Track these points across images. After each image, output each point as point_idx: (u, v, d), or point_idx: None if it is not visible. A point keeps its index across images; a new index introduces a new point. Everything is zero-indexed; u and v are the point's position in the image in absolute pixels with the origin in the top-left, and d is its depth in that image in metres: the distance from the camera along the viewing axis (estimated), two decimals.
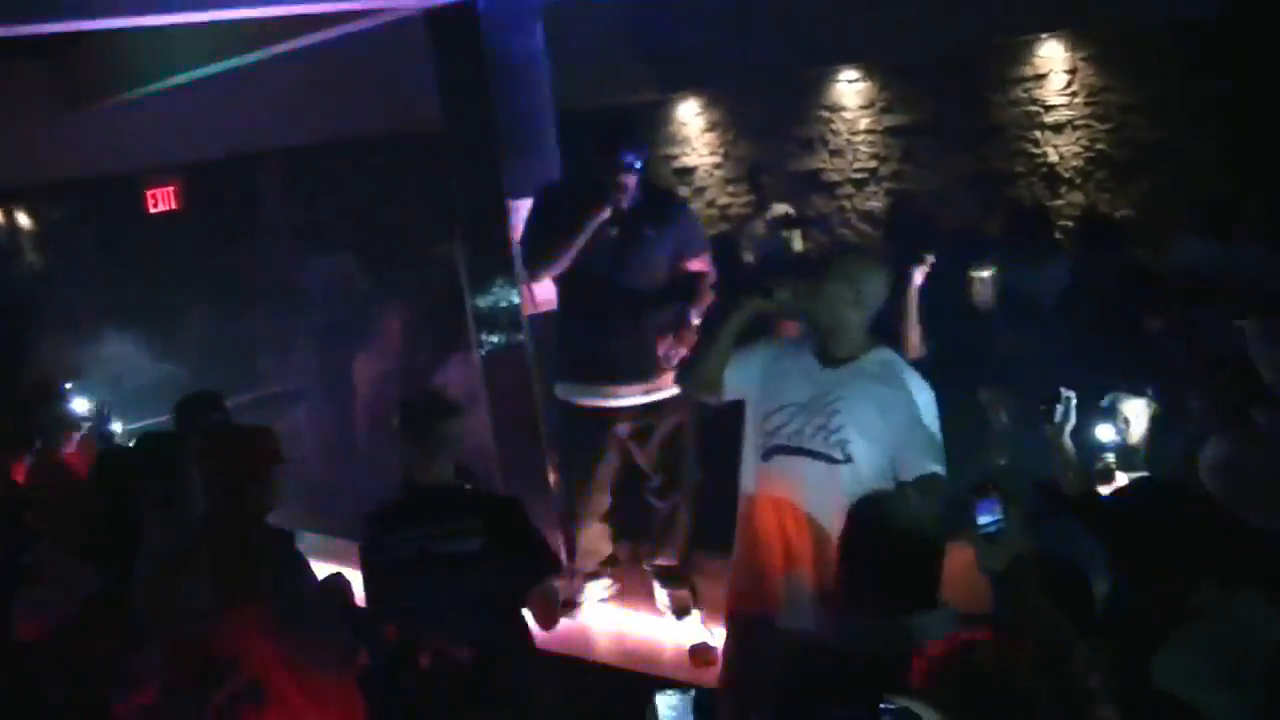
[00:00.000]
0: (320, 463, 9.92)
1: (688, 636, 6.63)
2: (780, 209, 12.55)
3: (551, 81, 7.81)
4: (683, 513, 6.85)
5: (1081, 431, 5.48)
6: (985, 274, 7.79)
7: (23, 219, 18.69)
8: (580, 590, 7.06)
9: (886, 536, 3.96)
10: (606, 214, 6.50)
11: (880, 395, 5.03)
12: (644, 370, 6.61)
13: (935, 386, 5.18)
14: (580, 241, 6.55)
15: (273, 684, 4.83)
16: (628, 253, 6.57)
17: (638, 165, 6.51)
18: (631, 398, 6.65)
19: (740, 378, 5.28)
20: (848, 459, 4.99)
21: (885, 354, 5.19)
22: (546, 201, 6.88)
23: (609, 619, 7.07)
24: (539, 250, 6.77)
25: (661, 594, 6.91)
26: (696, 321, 6.58)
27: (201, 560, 4.92)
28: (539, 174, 7.48)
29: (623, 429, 6.75)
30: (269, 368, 12.04)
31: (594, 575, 7.11)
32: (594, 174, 6.58)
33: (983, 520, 3.62)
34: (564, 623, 5.90)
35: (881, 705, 2.75)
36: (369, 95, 12.90)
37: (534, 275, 6.97)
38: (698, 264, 6.79)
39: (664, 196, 7.17)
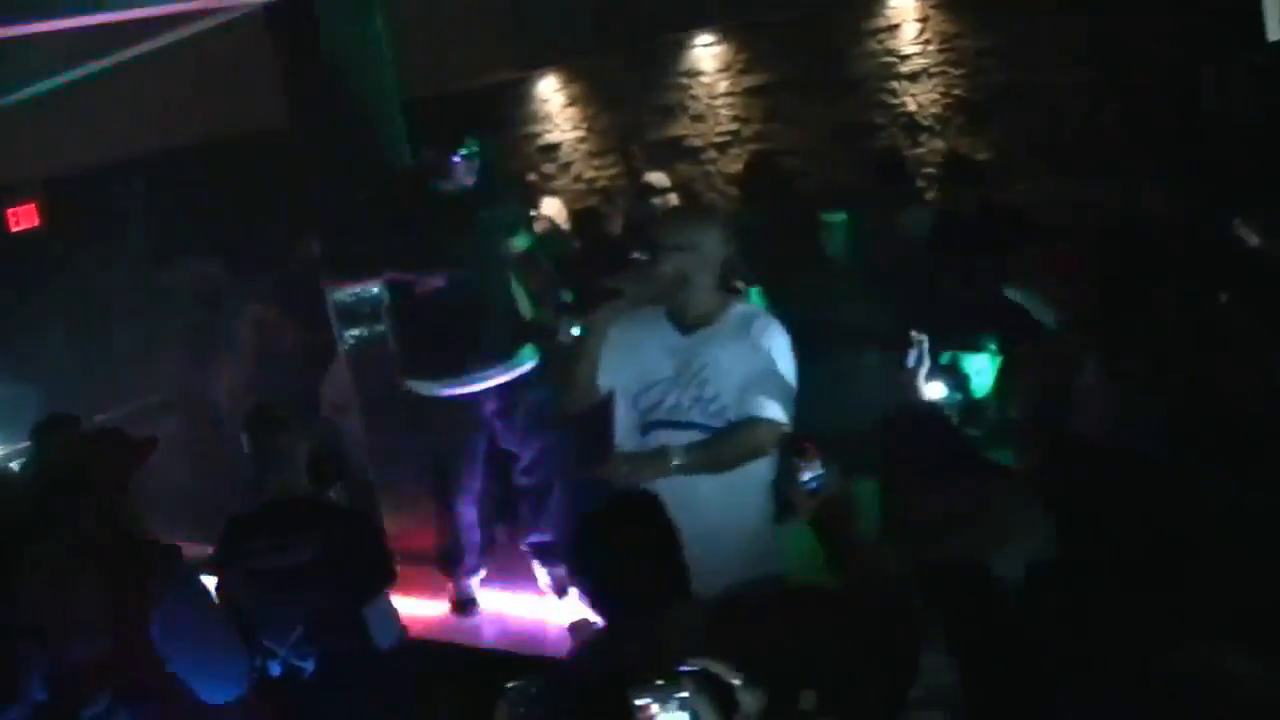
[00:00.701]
0: (194, 472, 9.77)
1: (570, 614, 6.57)
2: (654, 178, 12.53)
3: (395, 68, 7.72)
4: (556, 488, 6.79)
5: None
6: (836, 219, 7.72)
7: None
8: (469, 587, 6.98)
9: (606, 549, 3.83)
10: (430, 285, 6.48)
11: (741, 352, 4.91)
12: (500, 351, 6.55)
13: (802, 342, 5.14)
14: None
15: (169, 697, 4.78)
16: (477, 239, 6.49)
17: (474, 152, 6.44)
18: (492, 379, 6.58)
19: (607, 373, 5.09)
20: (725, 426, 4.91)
21: (740, 307, 5.07)
22: (372, 206, 6.80)
23: (492, 603, 7.01)
24: (363, 263, 6.72)
25: (541, 572, 6.85)
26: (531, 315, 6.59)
27: (89, 578, 4.87)
28: (387, 161, 7.39)
29: (488, 407, 6.67)
30: (139, 380, 11.86)
31: (475, 569, 7.02)
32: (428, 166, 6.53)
33: (805, 478, 3.65)
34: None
35: (680, 669, 2.71)
36: (224, 97, 12.73)
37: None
38: (522, 240, 6.78)
39: (491, 177, 7.08)
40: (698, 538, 4.14)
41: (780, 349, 4.94)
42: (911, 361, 5.19)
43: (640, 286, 4.97)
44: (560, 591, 6.78)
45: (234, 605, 5.12)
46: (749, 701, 2.71)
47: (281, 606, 5.08)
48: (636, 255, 5.13)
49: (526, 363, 6.58)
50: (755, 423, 4.80)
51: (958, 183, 8.56)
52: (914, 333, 5.18)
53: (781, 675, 3.03)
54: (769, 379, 4.88)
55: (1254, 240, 6.37)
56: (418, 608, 6.80)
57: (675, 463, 4.69)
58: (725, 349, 4.91)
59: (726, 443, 4.81)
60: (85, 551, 5.00)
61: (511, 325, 6.59)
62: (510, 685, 3.35)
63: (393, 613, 5.39)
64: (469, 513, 6.86)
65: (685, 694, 2.68)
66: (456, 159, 6.41)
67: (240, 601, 5.11)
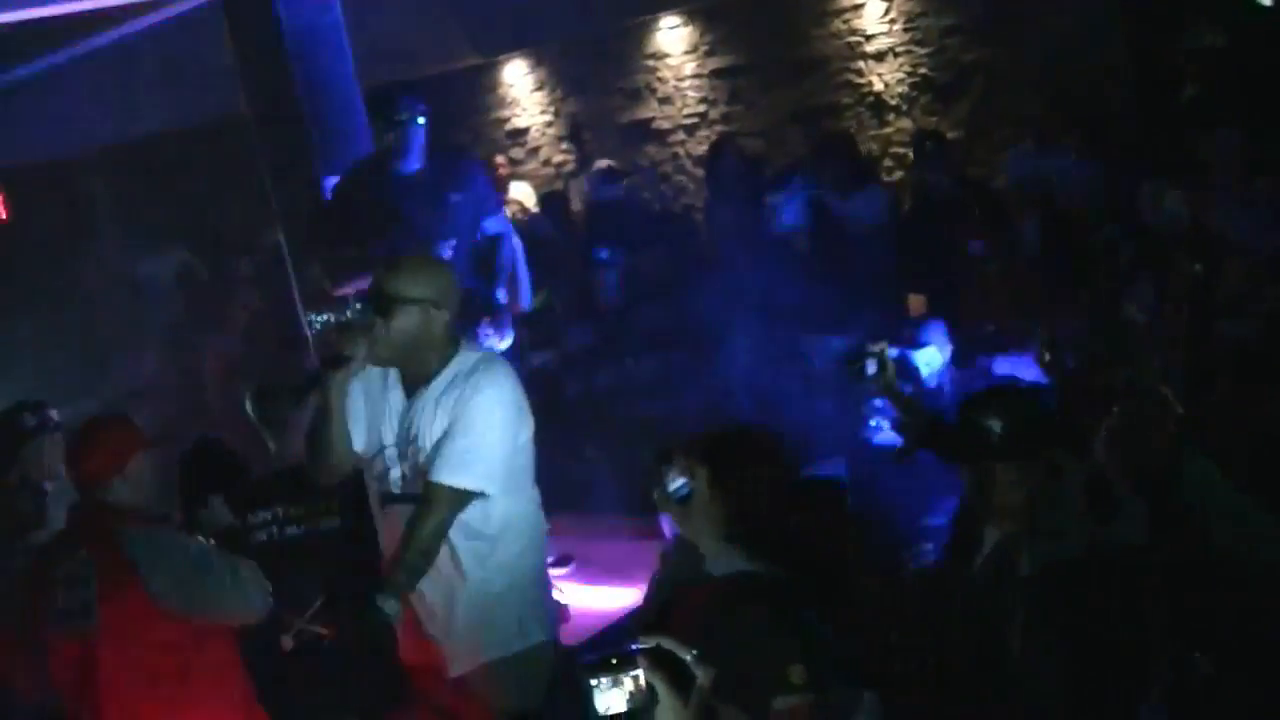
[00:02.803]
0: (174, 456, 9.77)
1: None
2: (603, 164, 12.53)
3: (355, 54, 7.71)
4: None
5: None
6: (778, 199, 7.66)
7: None
8: None
9: None
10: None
11: (445, 410, 4.64)
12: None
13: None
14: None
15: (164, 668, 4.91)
16: (434, 222, 6.45)
17: (418, 119, 6.38)
18: None
19: (361, 435, 4.83)
20: None
21: (464, 357, 4.76)
22: (336, 200, 6.74)
23: None
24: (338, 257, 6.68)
25: None
26: (504, 299, 6.51)
27: (77, 558, 4.96)
28: (349, 149, 7.37)
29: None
30: (115, 369, 11.86)
31: None
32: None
33: (673, 487, 3.62)
34: None
35: (633, 646, 2.73)
36: (189, 87, 12.66)
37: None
38: (493, 223, 6.71)
39: (459, 158, 7.04)
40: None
41: (485, 399, 4.61)
42: (869, 371, 5.12)
43: (370, 348, 4.61)
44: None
45: None
46: (703, 676, 2.72)
47: (301, 575, 5.10)
48: (357, 306, 4.77)
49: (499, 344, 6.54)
50: (426, 503, 4.52)
51: (930, 161, 8.60)
52: (870, 344, 5.08)
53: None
54: (457, 438, 4.55)
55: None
56: None
57: (390, 613, 4.43)
58: (432, 409, 4.64)
59: (417, 547, 4.49)
60: (69, 532, 5.13)
61: (477, 311, 6.55)
62: None
63: None
64: None
65: (639, 671, 2.70)
66: (403, 122, 6.33)
67: None
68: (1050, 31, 10.46)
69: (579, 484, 7.19)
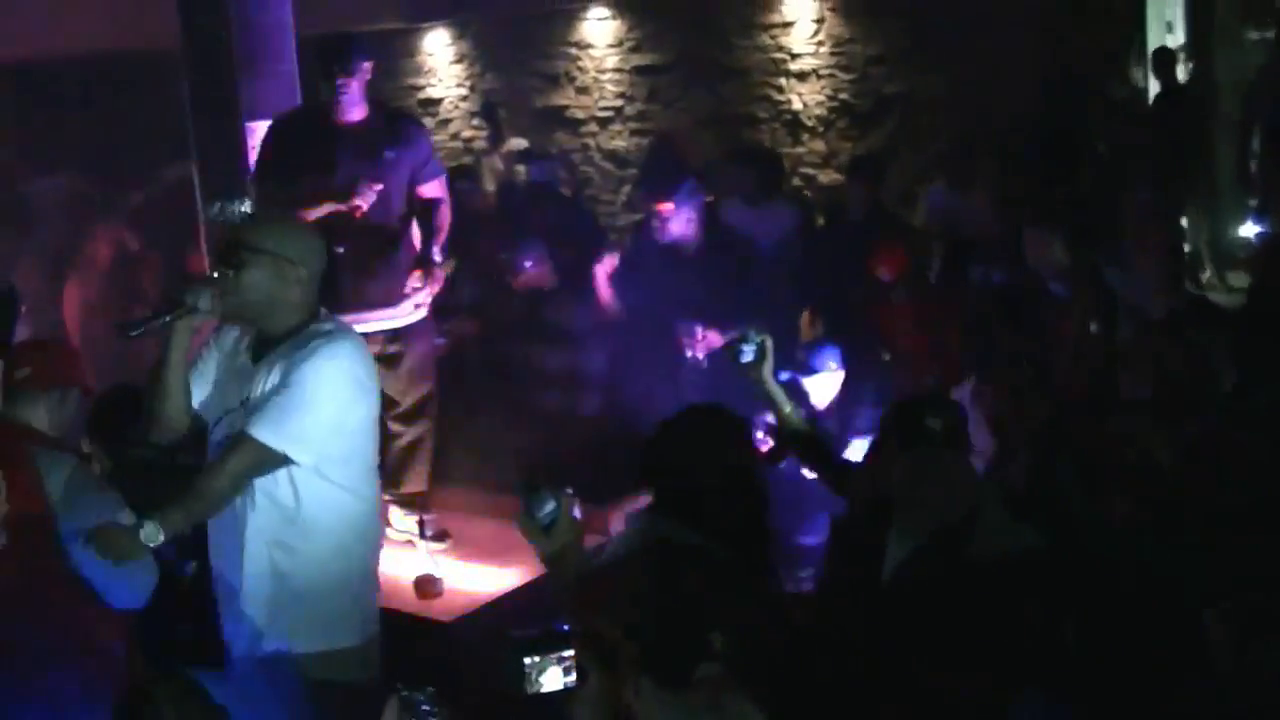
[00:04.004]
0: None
1: (414, 568, 6.50)
2: (517, 143, 12.49)
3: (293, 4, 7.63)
4: (428, 440, 6.73)
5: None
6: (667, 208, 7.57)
7: None
8: None
9: None
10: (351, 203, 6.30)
11: (276, 379, 4.31)
12: (389, 296, 6.46)
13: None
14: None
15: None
16: (365, 173, 6.38)
17: (361, 68, 6.31)
18: (380, 322, 6.50)
19: (203, 395, 4.51)
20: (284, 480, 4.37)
21: (317, 326, 4.41)
22: (273, 140, 6.65)
23: None
24: (267, 195, 6.56)
25: (407, 520, 6.76)
26: (439, 258, 6.43)
27: None
28: (276, 96, 7.29)
29: (372, 349, 6.58)
30: None
31: None
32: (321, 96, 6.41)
33: (541, 513, 3.58)
34: None
35: (561, 626, 2.74)
36: (103, 10, 12.44)
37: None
38: (431, 188, 6.64)
39: (400, 117, 6.97)
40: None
41: (317, 364, 4.29)
42: (745, 357, 4.96)
43: (212, 299, 4.25)
44: (439, 537, 6.67)
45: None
46: (631, 650, 2.73)
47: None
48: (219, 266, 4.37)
49: (417, 310, 6.49)
50: (235, 443, 4.25)
51: (858, 182, 8.68)
52: (752, 330, 4.94)
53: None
54: (281, 397, 4.26)
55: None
56: None
57: (149, 538, 4.09)
58: (267, 370, 4.34)
59: (200, 490, 4.24)
60: None
61: (405, 270, 6.48)
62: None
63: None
64: None
65: (570, 650, 2.70)
66: (349, 72, 6.27)
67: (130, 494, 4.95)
68: (970, 73, 10.62)
69: (466, 458, 7.13)
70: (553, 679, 2.71)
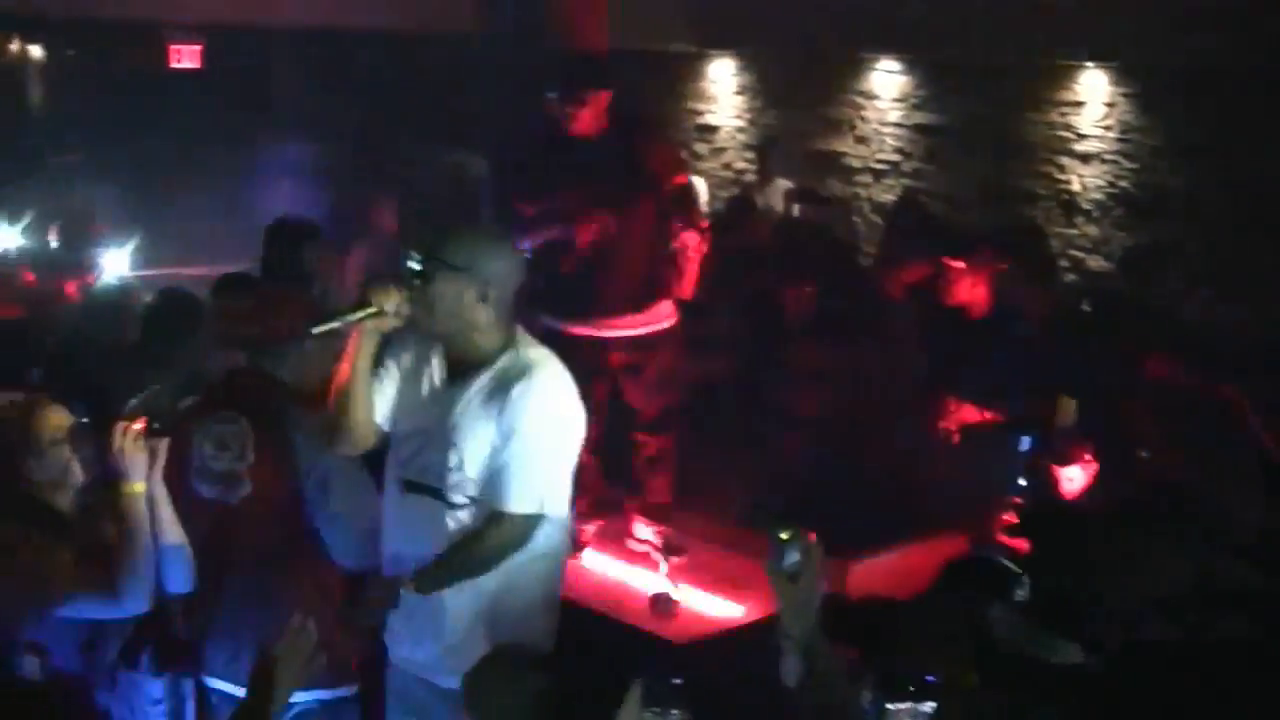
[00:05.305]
0: None
1: (650, 585, 6.54)
2: (783, 184, 12.53)
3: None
4: (672, 452, 6.76)
5: None
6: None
7: (36, 51, 18.56)
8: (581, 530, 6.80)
9: None
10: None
11: (489, 417, 4.26)
12: (638, 302, 6.51)
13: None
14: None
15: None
16: (607, 189, 6.42)
17: (589, 98, 6.36)
18: (625, 330, 6.55)
19: (387, 406, 4.48)
20: (470, 502, 4.33)
21: (511, 357, 4.32)
22: (523, 151, 6.77)
23: (590, 559, 6.91)
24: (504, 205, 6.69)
25: (648, 531, 6.80)
26: (695, 240, 6.45)
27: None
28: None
29: (617, 358, 6.63)
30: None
31: (586, 515, 6.83)
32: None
33: (787, 564, 3.56)
34: None
35: (929, 678, 2.78)
36: None
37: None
38: (679, 178, 6.69)
39: (632, 128, 6.94)
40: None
41: (535, 419, 4.24)
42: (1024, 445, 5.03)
43: (399, 305, 4.21)
44: (674, 551, 6.67)
45: None
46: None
47: None
48: (411, 264, 4.30)
49: (663, 319, 6.54)
50: (499, 521, 4.25)
51: (1131, 273, 8.58)
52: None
53: None
54: (516, 461, 4.23)
55: None
56: None
57: (406, 592, 4.22)
58: (474, 410, 4.27)
59: (464, 556, 4.27)
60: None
61: (652, 278, 6.53)
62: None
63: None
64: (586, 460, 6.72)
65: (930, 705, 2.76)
66: (558, 103, 6.34)
67: None
68: (1259, 170, 10.42)
69: (708, 486, 7.16)
70: None
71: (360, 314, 4.20)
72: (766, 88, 14.66)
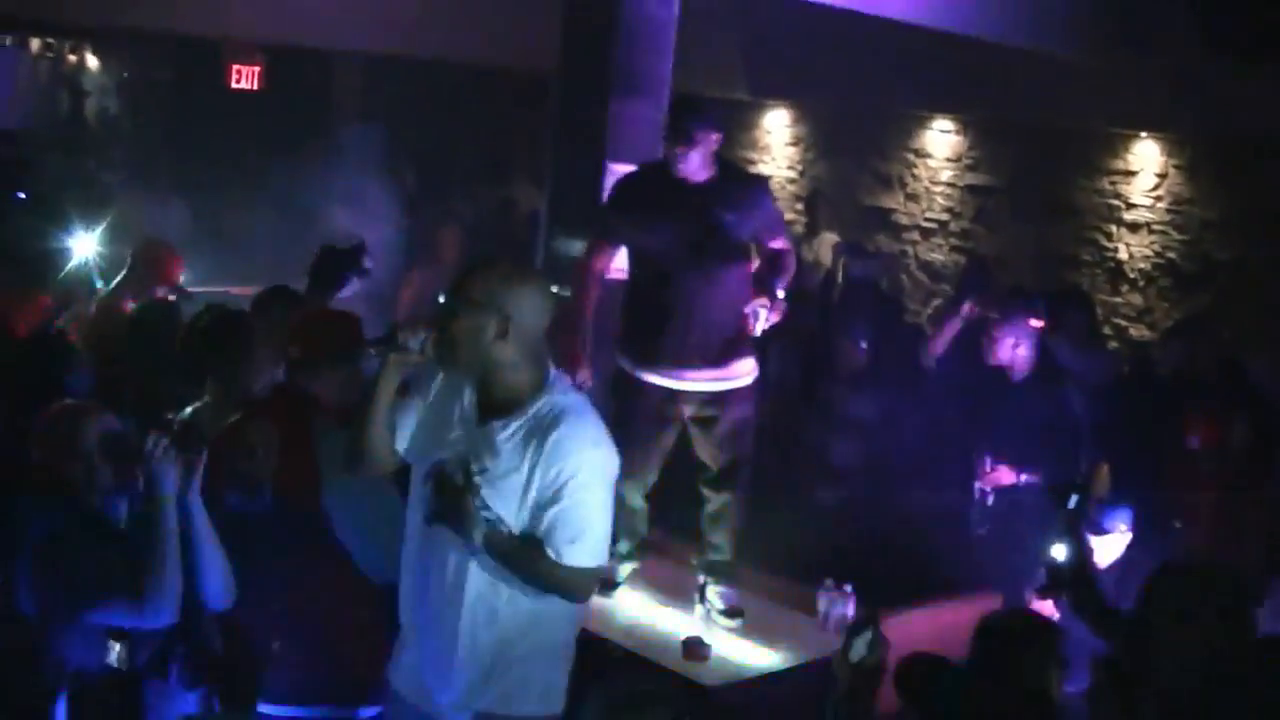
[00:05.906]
0: None
1: (685, 628, 6.48)
2: (829, 237, 12.60)
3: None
4: (734, 509, 6.71)
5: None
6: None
7: (93, 61, 18.76)
8: (615, 570, 6.74)
9: None
10: None
11: (526, 466, 4.15)
12: (714, 356, 6.47)
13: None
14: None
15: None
16: (704, 238, 6.43)
17: (702, 139, 6.36)
18: (699, 383, 6.54)
19: (403, 437, 4.43)
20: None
21: (552, 399, 4.22)
22: (619, 190, 6.78)
23: (627, 595, 6.85)
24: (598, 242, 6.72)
25: (711, 589, 6.67)
26: (782, 294, 6.41)
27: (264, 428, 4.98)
28: (640, 143, 7.47)
29: (687, 410, 6.60)
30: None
31: (628, 556, 6.82)
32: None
33: (856, 656, 3.61)
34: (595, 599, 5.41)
35: None
36: (462, 21, 12.85)
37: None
38: (778, 243, 6.66)
39: (744, 179, 6.94)
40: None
41: (579, 471, 4.15)
42: (1072, 504, 5.05)
43: (424, 344, 4.20)
44: (732, 614, 6.58)
45: None
46: None
47: None
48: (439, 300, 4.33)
49: (741, 376, 6.59)
50: (570, 571, 4.17)
51: (1180, 340, 8.62)
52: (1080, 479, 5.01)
53: None
54: (570, 515, 4.15)
55: None
56: None
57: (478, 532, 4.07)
58: (510, 456, 4.18)
59: (532, 567, 4.18)
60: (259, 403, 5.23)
61: (733, 333, 6.51)
62: None
63: None
64: (634, 499, 6.67)
65: None
66: (693, 145, 6.34)
67: None
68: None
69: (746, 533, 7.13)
70: None
71: (387, 349, 4.26)
72: (819, 140, 14.77)
